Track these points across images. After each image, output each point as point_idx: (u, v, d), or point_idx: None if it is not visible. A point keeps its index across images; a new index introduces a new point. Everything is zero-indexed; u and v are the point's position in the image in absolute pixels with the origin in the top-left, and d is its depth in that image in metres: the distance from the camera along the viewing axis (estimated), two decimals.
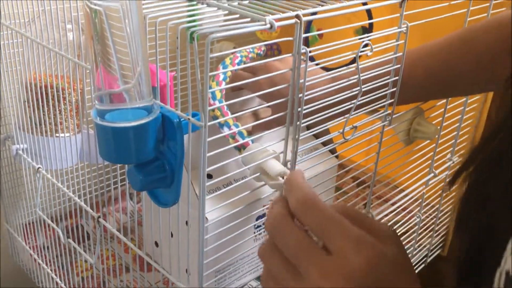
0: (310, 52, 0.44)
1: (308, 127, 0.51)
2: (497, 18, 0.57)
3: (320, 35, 0.81)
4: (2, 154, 0.78)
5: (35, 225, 0.79)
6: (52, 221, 0.77)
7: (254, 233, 0.62)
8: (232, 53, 0.63)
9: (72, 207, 0.86)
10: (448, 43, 0.57)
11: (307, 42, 0.81)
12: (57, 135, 0.66)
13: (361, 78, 0.49)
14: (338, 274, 0.31)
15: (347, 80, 0.49)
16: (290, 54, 0.43)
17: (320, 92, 0.46)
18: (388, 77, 0.54)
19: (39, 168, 0.65)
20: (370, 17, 0.74)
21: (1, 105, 0.76)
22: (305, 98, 0.44)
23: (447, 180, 0.77)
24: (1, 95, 0.74)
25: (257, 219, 0.62)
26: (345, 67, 0.49)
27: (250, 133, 0.57)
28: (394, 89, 0.55)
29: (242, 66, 0.61)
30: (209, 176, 0.55)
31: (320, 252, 0.32)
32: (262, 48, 0.67)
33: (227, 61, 0.61)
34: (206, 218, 0.48)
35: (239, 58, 0.62)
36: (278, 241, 0.33)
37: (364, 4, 0.51)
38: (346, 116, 0.51)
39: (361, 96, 0.50)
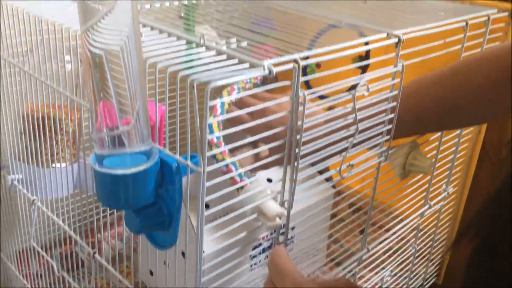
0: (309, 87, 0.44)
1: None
2: (493, 51, 0.57)
3: (318, 65, 0.82)
4: None
5: (29, 253, 0.78)
6: (46, 249, 0.76)
7: (251, 265, 0.62)
8: (230, 84, 0.64)
9: (66, 234, 0.85)
10: (440, 77, 0.58)
11: (305, 72, 0.81)
12: (53, 165, 0.66)
13: (358, 117, 0.50)
14: None
15: (344, 120, 0.50)
16: (286, 98, 0.43)
17: (317, 134, 0.46)
18: (384, 114, 0.54)
19: (34, 200, 0.65)
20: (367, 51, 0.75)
21: None
22: (303, 139, 0.45)
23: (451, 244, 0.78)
24: None
25: (253, 249, 0.61)
26: (341, 107, 0.49)
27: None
28: (390, 126, 0.55)
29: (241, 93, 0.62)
30: (206, 206, 0.55)
31: None
32: (259, 78, 0.67)
33: (225, 93, 0.62)
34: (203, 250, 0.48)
35: (236, 90, 0.63)
36: None
37: (366, 44, 0.51)
38: (343, 154, 0.51)
39: (358, 134, 0.51)
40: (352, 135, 0.50)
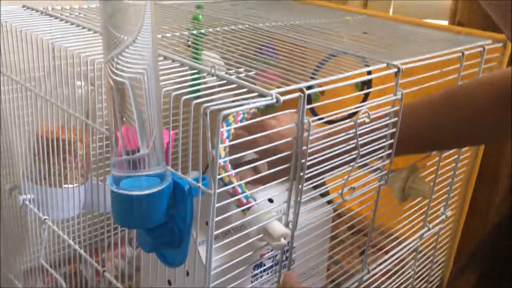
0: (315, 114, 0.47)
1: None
2: (487, 77, 0.60)
3: (322, 92, 0.85)
4: (7, 202, 0.79)
5: (35, 272, 0.80)
6: (52, 268, 0.78)
7: (252, 282, 0.64)
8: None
9: (71, 253, 0.87)
10: (431, 105, 0.60)
11: (309, 99, 0.84)
12: (65, 186, 0.68)
13: (359, 142, 0.52)
14: None
15: (346, 145, 0.52)
16: (284, 112, 0.45)
17: (322, 158, 0.49)
18: (384, 140, 0.57)
19: (45, 219, 0.67)
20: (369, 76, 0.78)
21: (9, 155, 0.78)
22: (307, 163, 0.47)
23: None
24: (6, 146, 0.77)
25: (254, 269, 0.63)
26: (344, 133, 0.52)
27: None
28: (390, 151, 0.58)
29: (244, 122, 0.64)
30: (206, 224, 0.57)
31: None
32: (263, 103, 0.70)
33: (230, 118, 0.64)
34: None
35: (242, 115, 0.65)
36: None
37: (369, 73, 0.54)
38: (345, 177, 0.53)
39: (359, 158, 0.53)
40: (354, 159, 0.53)
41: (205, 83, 0.47)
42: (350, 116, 0.53)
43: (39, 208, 0.69)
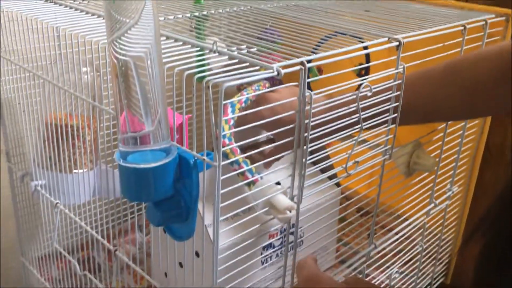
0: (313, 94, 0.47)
1: (314, 163, 0.55)
2: (489, 49, 0.59)
3: (320, 71, 0.85)
4: (19, 189, 0.81)
5: (49, 258, 0.81)
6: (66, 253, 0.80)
7: (262, 262, 0.65)
8: (239, 90, 0.67)
9: (83, 240, 0.89)
10: (432, 75, 0.60)
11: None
12: (75, 171, 0.69)
13: (362, 116, 0.53)
14: None
15: (348, 119, 0.53)
16: (286, 85, 0.46)
17: (324, 132, 0.49)
18: (387, 114, 0.57)
19: (57, 203, 0.68)
20: (367, 55, 0.79)
21: (20, 143, 0.79)
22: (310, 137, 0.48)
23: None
24: (15, 134, 0.78)
25: (264, 249, 0.64)
26: (346, 108, 0.52)
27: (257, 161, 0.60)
28: (393, 125, 0.58)
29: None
30: None
31: None
32: (267, 86, 0.71)
33: (235, 100, 0.65)
34: None
35: (246, 97, 0.66)
36: None
37: (365, 48, 0.55)
38: (348, 152, 0.54)
39: (362, 132, 0.54)
40: (357, 133, 0.53)
41: (210, 60, 0.48)
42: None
43: (51, 193, 0.70)
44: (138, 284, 0.82)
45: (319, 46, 0.56)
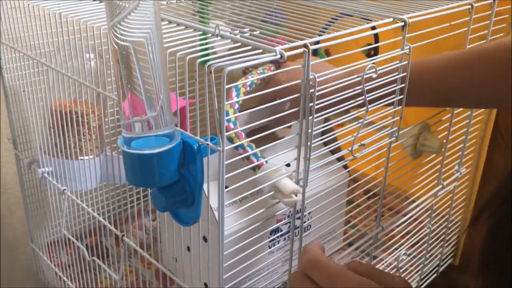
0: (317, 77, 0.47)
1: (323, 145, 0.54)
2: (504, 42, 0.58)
3: (328, 53, 0.84)
4: (27, 177, 0.82)
5: (59, 244, 0.82)
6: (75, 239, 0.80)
7: (269, 247, 0.65)
8: (245, 74, 0.66)
9: (91, 226, 0.89)
10: (447, 59, 0.60)
11: None
12: (81, 158, 0.70)
13: (367, 98, 0.52)
14: None
15: (354, 101, 0.52)
16: (297, 66, 0.46)
17: (329, 102, 0.49)
18: (393, 96, 0.56)
19: (64, 190, 0.69)
20: (375, 34, 0.77)
21: (26, 131, 0.80)
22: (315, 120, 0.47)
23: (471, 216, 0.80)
24: (21, 122, 0.79)
25: (271, 234, 0.64)
26: (351, 89, 0.52)
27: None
28: (400, 107, 0.58)
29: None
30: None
31: None
32: (272, 69, 0.70)
33: (240, 84, 0.65)
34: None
35: (251, 82, 0.65)
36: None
37: (373, 28, 0.54)
38: (354, 134, 0.54)
39: (368, 114, 0.53)
40: (362, 115, 0.53)
41: (212, 44, 0.47)
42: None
43: (58, 180, 0.70)
44: (147, 268, 0.83)
45: (326, 28, 0.55)
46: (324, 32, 0.52)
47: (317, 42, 0.49)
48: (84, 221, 0.88)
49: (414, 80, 0.57)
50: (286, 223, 0.65)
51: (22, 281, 0.94)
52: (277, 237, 0.66)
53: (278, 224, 0.63)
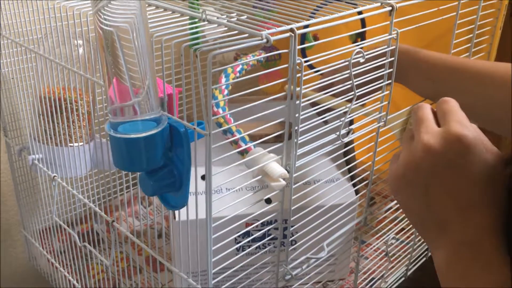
0: (306, 60, 0.47)
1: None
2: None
3: (316, 38, 0.84)
4: (18, 164, 0.82)
5: (50, 231, 0.83)
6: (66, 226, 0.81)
7: (237, 249, 0.62)
8: (235, 60, 0.66)
9: (83, 213, 0.90)
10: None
11: (303, 49, 0.84)
12: (71, 144, 0.70)
13: (355, 83, 0.52)
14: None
15: (342, 86, 0.52)
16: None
17: (316, 99, 0.49)
18: (382, 80, 0.57)
19: (54, 176, 0.69)
20: (362, 20, 0.77)
21: (16, 118, 0.79)
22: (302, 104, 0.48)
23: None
24: (11, 109, 0.78)
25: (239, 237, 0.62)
26: (339, 74, 0.52)
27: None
28: (387, 92, 0.58)
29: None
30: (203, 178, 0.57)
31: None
32: (262, 54, 0.70)
33: (229, 69, 0.65)
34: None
35: (240, 66, 0.65)
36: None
37: (359, 13, 0.54)
38: (342, 119, 0.54)
39: (356, 100, 0.54)
40: (350, 101, 0.53)
41: (199, 29, 0.47)
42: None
43: (48, 167, 0.71)
44: (139, 254, 0.84)
45: (314, 13, 0.55)
46: (312, 17, 0.52)
47: (306, 27, 0.49)
48: (76, 208, 0.88)
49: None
50: (260, 230, 0.63)
51: (17, 269, 0.95)
52: (248, 242, 0.64)
53: (247, 228, 0.61)
